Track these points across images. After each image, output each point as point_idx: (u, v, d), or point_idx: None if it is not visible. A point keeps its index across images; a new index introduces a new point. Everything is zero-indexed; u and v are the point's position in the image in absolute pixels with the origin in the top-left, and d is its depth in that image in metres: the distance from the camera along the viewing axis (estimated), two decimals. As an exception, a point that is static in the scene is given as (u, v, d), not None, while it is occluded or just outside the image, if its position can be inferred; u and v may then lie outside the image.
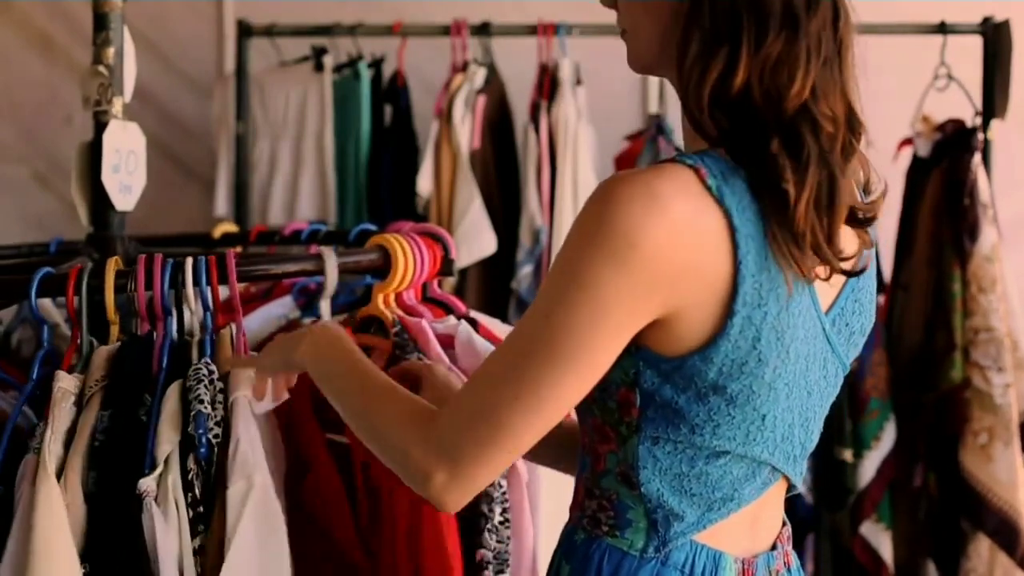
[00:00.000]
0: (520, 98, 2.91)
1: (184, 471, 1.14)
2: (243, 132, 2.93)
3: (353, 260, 1.44)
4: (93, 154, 1.52)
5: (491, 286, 2.79)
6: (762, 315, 0.95)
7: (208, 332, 1.27)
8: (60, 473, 1.12)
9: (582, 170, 2.71)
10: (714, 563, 1.03)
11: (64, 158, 3.14)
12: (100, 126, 1.51)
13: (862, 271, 1.03)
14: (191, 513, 1.13)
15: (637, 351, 0.98)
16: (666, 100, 2.93)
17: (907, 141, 2.82)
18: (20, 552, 1.07)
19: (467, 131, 2.73)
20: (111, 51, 1.51)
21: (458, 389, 1.15)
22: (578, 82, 2.82)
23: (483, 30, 2.83)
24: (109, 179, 1.51)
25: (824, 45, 0.97)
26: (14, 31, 3.39)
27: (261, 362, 1.21)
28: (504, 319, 2.44)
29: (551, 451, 1.16)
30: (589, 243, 0.94)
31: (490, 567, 1.29)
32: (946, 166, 2.68)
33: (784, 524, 1.13)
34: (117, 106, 1.53)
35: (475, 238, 2.69)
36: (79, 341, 1.26)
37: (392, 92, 2.95)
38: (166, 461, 1.14)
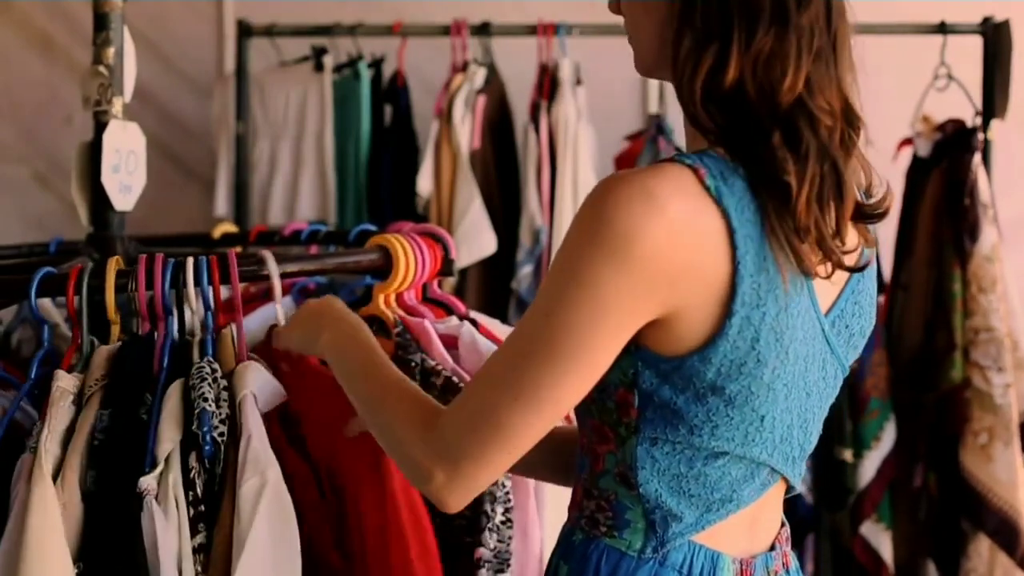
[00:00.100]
0: (520, 98, 2.91)
1: (185, 469, 1.14)
2: (243, 132, 2.93)
3: (353, 260, 1.44)
4: (93, 154, 1.52)
5: (491, 286, 2.79)
6: (761, 316, 0.95)
7: (209, 332, 1.27)
8: (58, 472, 1.12)
9: (582, 170, 2.71)
10: (712, 564, 1.03)
11: (64, 158, 3.14)
12: (100, 126, 1.52)
13: (864, 267, 1.03)
14: (191, 512, 1.13)
15: (636, 351, 0.98)
16: (666, 100, 2.93)
17: (907, 141, 2.81)
18: (13, 551, 1.07)
19: (467, 131, 2.73)
20: (111, 51, 1.52)
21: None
22: (578, 82, 2.81)
23: (483, 30, 2.83)
24: (109, 179, 1.51)
25: (816, 39, 0.97)
26: (14, 31, 3.39)
27: (289, 333, 1.27)
28: (504, 319, 2.44)
29: (547, 459, 1.17)
30: (588, 243, 0.94)
31: (488, 566, 1.29)
32: (946, 166, 2.68)
33: (783, 525, 1.13)
34: (117, 106, 1.53)
35: (475, 238, 2.69)
36: (80, 341, 1.26)
37: (392, 92, 2.95)
38: (167, 460, 1.14)
